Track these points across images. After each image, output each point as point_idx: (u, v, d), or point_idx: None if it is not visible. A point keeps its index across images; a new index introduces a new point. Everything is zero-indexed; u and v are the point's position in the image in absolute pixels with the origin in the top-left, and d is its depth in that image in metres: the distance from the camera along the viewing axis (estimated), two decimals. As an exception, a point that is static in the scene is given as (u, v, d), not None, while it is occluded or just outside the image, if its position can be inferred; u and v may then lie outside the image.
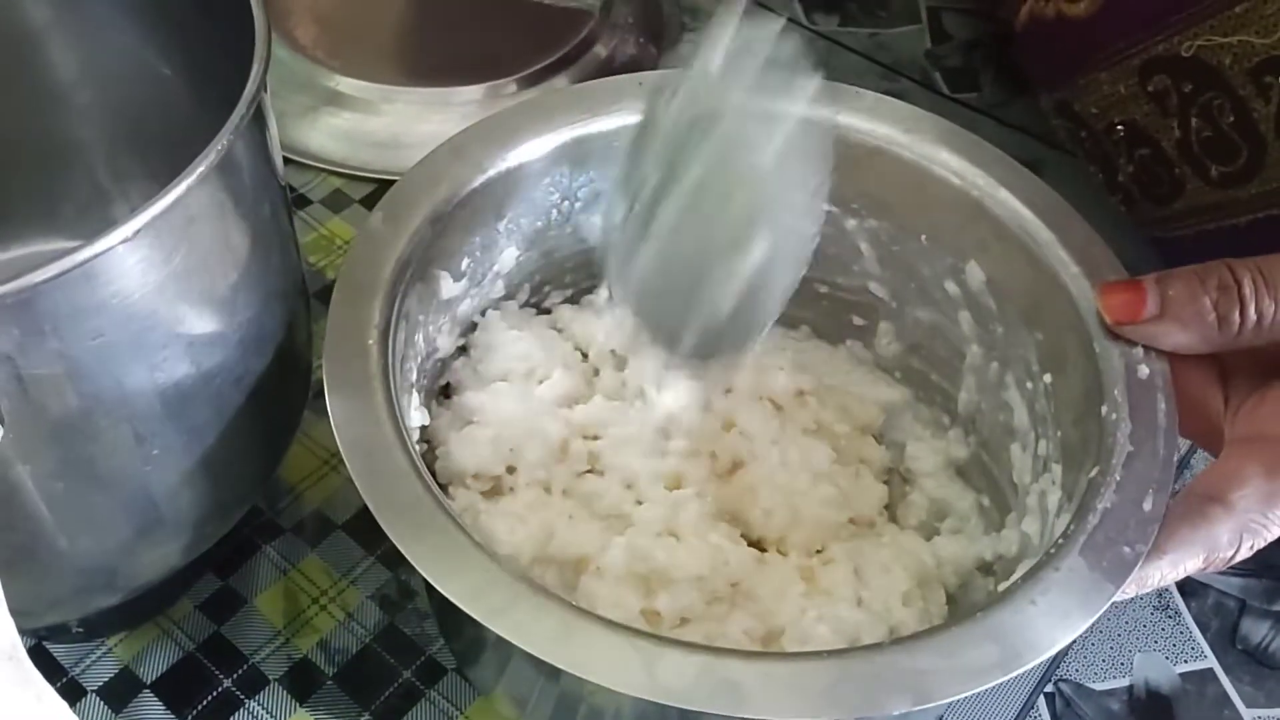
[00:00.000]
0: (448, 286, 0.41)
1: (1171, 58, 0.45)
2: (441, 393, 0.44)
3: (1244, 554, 0.35)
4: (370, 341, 0.36)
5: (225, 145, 0.31)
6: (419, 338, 0.40)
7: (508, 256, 0.44)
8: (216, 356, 0.35)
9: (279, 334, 0.37)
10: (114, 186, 0.48)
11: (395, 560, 0.45)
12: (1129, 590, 0.33)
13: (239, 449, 0.37)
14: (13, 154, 0.46)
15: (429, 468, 0.41)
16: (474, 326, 0.44)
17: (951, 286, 0.43)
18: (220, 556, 0.44)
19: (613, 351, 0.45)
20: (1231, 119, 0.44)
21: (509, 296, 0.45)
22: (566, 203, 0.44)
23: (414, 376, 0.40)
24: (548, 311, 0.47)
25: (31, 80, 0.44)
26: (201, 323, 0.34)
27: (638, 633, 0.31)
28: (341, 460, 0.46)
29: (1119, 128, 0.48)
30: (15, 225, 0.48)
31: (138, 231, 0.29)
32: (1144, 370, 0.37)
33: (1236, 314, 0.36)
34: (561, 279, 0.46)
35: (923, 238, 0.44)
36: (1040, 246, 0.40)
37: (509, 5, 0.63)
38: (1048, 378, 0.40)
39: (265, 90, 0.33)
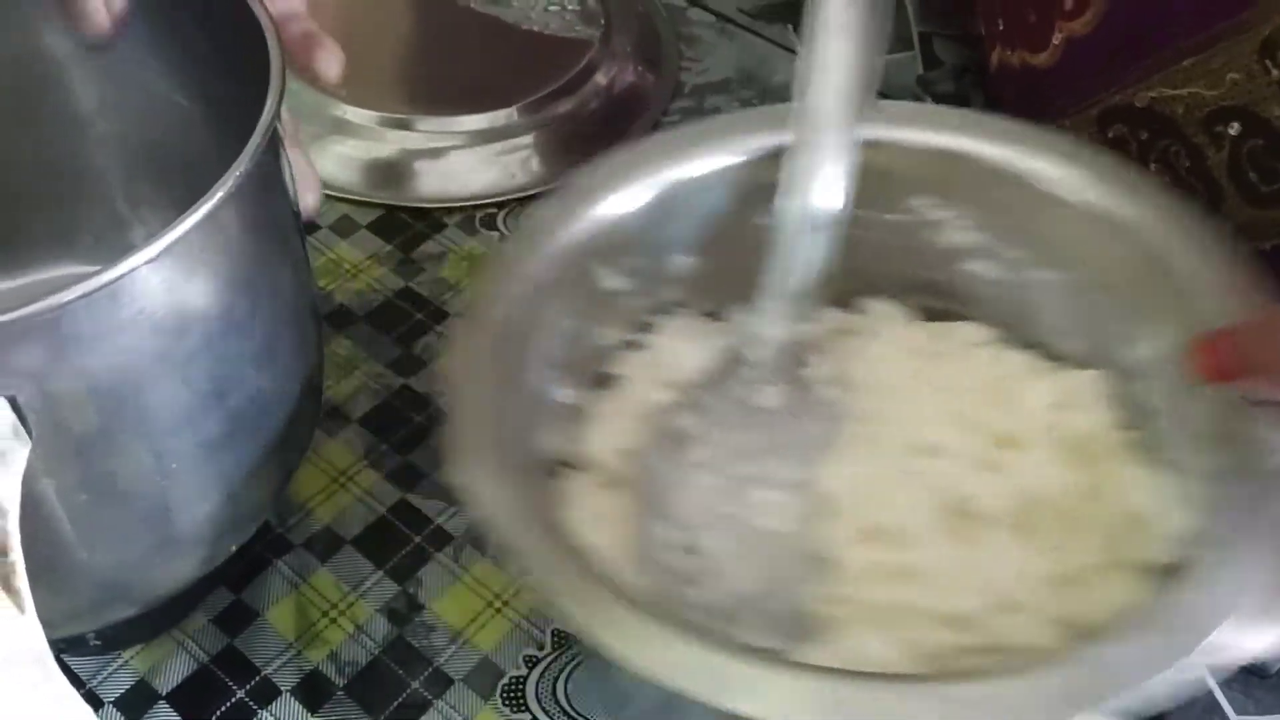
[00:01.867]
0: (609, 279, 0.42)
1: (1127, 107, 0.46)
2: (598, 381, 0.43)
3: None
4: (501, 306, 0.38)
5: (245, 170, 0.32)
6: (566, 321, 0.41)
7: (680, 261, 0.44)
8: (232, 375, 0.36)
9: (293, 354, 0.39)
10: (131, 213, 0.49)
11: (403, 574, 0.46)
12: None
13: (253, 465, 0.38)
14: (33, 182, 0.47)
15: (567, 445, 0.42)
16: (645, 325, 0.44)
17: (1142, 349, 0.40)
18: (233, 571, 0.45)
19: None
20: (1188, 164, 0.45)
21: (683, 303, 0.45)
22: (745, 210, 0.43)
23: (556, 354, 0.41)
24: (724, 319, 0.45)
25: (51, 110, 0.45)
26: (219, 342, 0.35)
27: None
28: (351, 479, 0.49)
29: None
30: (34, 251, 0.49)
31: (161, 253, 0.31)
32: None
33: None
34: (739, 289, 0.44)
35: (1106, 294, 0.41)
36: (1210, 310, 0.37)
37: (510, 36, 0.64)
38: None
39: (280, 119, 0.35)
